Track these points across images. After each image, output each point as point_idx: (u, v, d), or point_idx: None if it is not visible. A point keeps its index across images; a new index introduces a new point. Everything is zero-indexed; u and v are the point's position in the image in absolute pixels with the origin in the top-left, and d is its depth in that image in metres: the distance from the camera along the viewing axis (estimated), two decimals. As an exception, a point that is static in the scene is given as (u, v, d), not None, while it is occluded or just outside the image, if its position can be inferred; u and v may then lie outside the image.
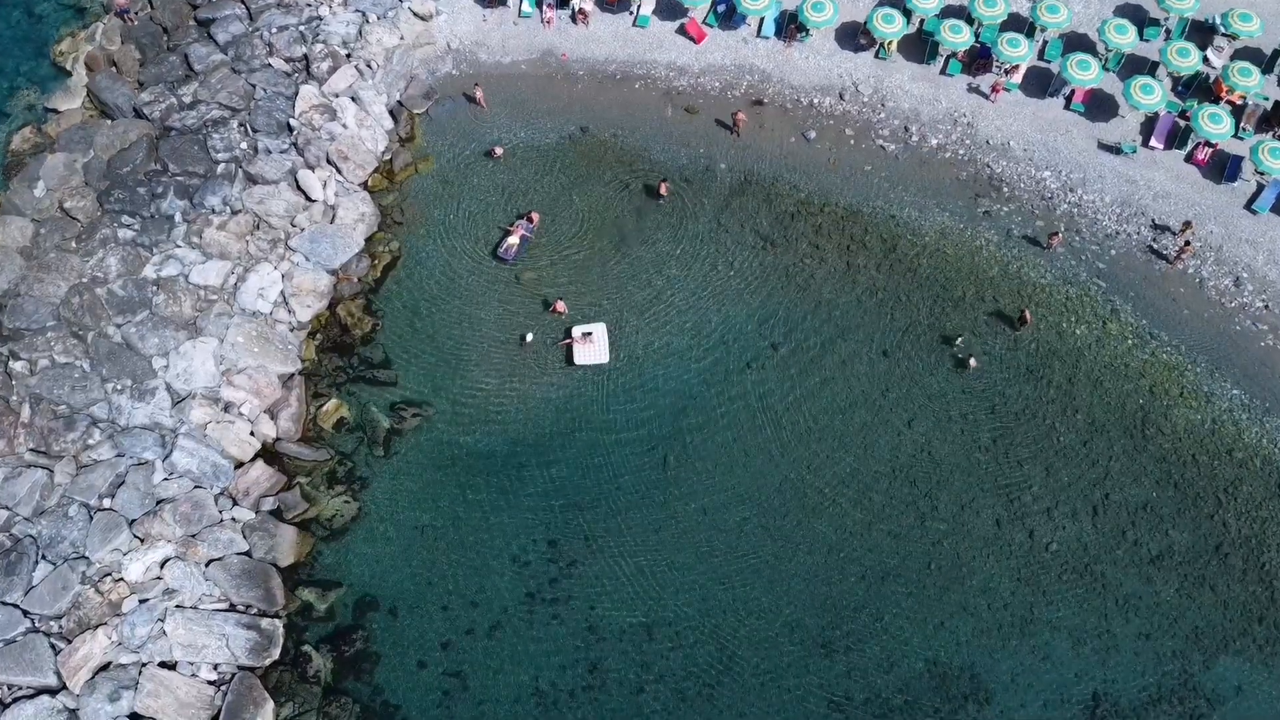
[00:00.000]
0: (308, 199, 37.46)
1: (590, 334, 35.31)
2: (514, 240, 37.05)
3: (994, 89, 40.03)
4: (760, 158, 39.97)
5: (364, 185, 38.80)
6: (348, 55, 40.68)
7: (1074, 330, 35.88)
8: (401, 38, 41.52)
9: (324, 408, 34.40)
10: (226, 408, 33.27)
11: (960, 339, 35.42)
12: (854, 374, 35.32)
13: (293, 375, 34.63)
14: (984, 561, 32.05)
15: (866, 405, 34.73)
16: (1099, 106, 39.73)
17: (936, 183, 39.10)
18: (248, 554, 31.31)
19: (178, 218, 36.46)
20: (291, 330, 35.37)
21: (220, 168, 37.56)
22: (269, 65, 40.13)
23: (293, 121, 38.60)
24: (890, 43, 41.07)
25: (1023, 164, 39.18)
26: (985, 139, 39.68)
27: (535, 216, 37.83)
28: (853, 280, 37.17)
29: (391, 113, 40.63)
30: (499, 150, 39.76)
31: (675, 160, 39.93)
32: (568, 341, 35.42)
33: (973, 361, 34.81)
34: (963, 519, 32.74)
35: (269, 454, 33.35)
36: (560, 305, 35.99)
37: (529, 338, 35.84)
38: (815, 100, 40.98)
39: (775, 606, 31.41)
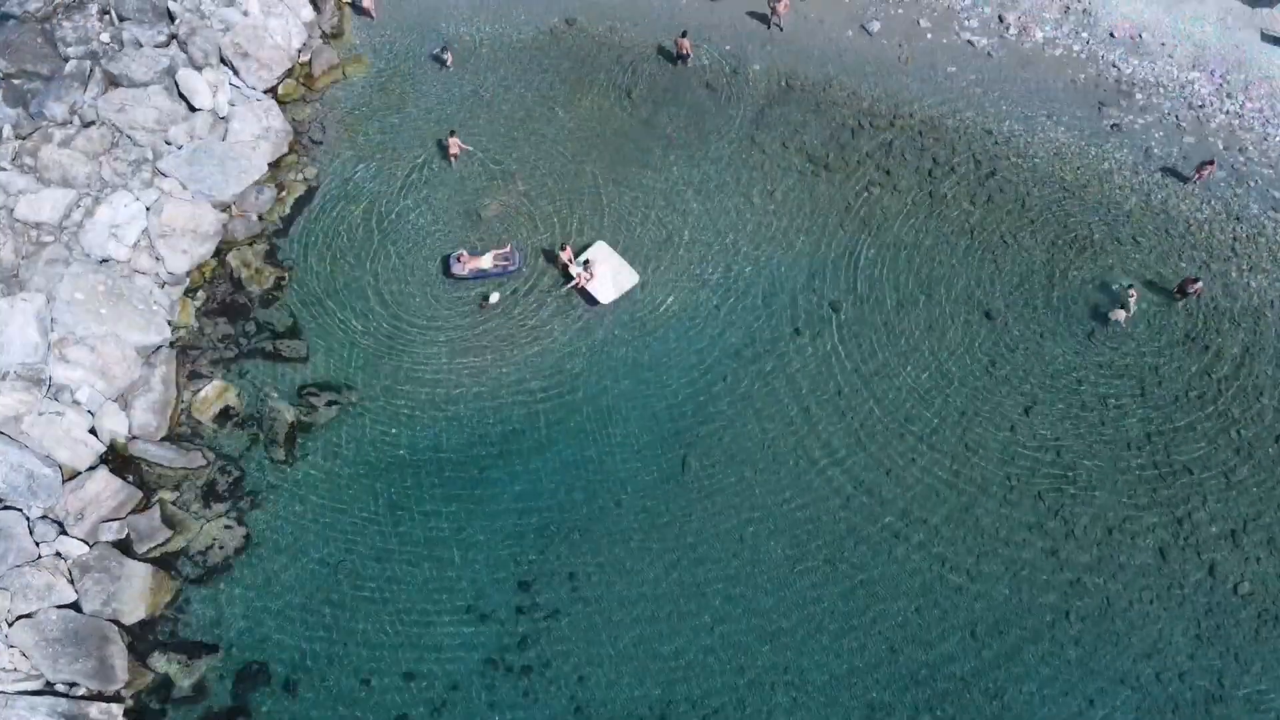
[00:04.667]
0: (190, 107, 27.73)
1: (589, 262, 25.86)
2: (485, 264, 26.46)
3: (1118, -36, 30.18)
4: (806, 57, 30.18)
5: (270, 92, 29.08)
6: (254, -76, 30.67)
7: (1247, 282, 26.17)
8: (328, -97, 31.54)
9: (202, 393, 24.67)
10: (55, 393, 23.44)
11: (1118, 285, 25.72)
12: (945, 343, 25.61)
13: (158, 348, 24.98)
14: (1146, 609, 22.50)
15: (965, 386, 25.00)
16: (1262, -15, 29.96)
17: (1046, 88, 29.33)
18: (74, 606, 21.91)
19: (5, 131, 26.57)
20: (161, 286, 25.70)
21: (70, 65, 27.59)
22: (147, -64, 30.12)
23: (173, 6, 28.68)
24: (977, -94, 31.18)
25: (1161, 62, 29.41)
26: (1109, 31, 29.91)
27: (516, 257, 26.57)
28: (938, 216, 27.39)
29: None
30: (449, 56, 29.83)
31: (693, 60, 30.04)
32: (577, 284, 25.81)
33: (1120, 312, 25.12)
34: (1111, 548, 23.09)
35: (118, 459, 23.67)
36: (566, 253, 26.26)
37: (493, 298, 26.22)
38: (877, -17, 31.10)
39: (847, 677, 21.95)
